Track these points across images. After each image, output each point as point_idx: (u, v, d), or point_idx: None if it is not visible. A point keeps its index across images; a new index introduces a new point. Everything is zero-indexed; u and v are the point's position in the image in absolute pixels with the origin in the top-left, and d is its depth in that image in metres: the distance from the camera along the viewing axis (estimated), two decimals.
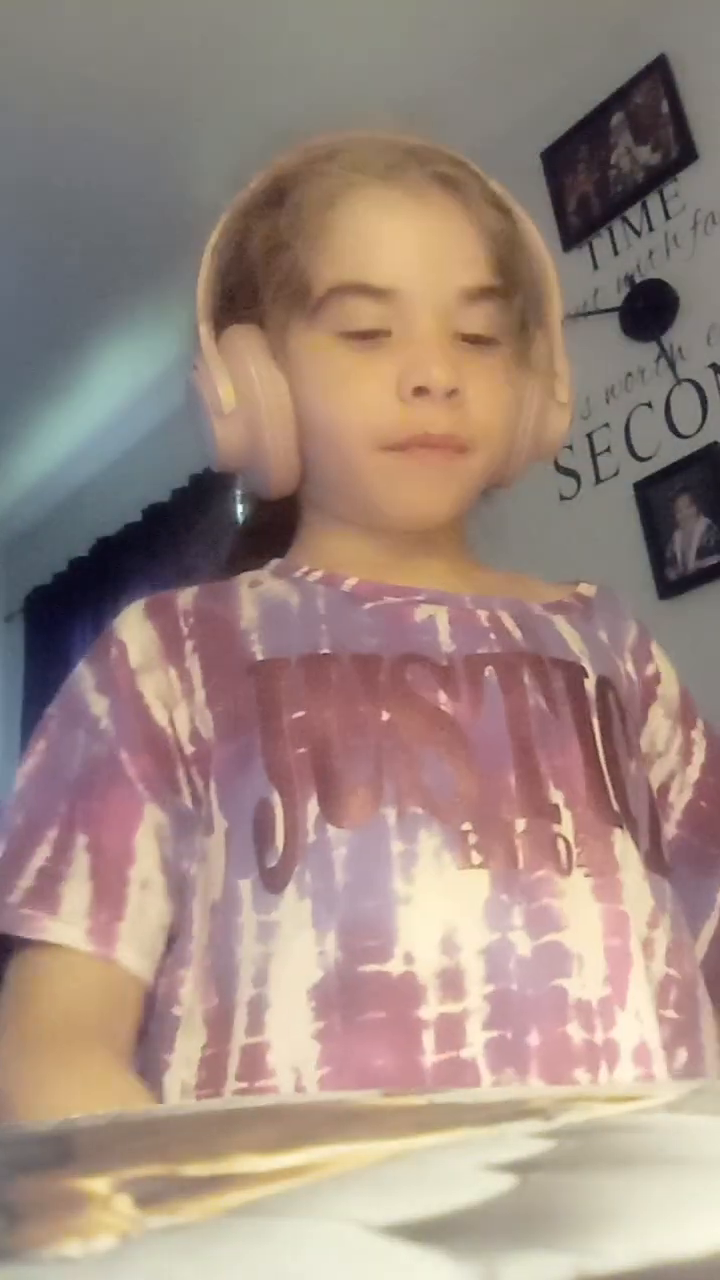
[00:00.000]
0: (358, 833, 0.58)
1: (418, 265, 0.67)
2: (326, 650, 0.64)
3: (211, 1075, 0.56)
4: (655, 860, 0.64)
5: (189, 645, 0.67)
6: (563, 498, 2.24)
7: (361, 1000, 0.55)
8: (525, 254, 0.72)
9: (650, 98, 2.23)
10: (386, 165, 0.69)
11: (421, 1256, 0.15)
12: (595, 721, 0.65)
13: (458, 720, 0.62)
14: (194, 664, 0.66)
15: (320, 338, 0.68)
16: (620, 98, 2.27)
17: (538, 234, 0.75)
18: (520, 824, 0.59)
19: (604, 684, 0.68)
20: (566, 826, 0.60)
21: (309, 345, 0.68)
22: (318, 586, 0.70)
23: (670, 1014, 0.60)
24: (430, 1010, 0.54)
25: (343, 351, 0.67)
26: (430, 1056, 0.54)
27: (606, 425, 2.20)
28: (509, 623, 0.68)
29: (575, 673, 0.66)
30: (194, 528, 3.11)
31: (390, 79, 2.21)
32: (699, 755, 0.75)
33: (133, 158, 2.39)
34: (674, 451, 2.10)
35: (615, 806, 0.62)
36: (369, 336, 0.66)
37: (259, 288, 0.70)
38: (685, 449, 2.09)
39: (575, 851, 0.59)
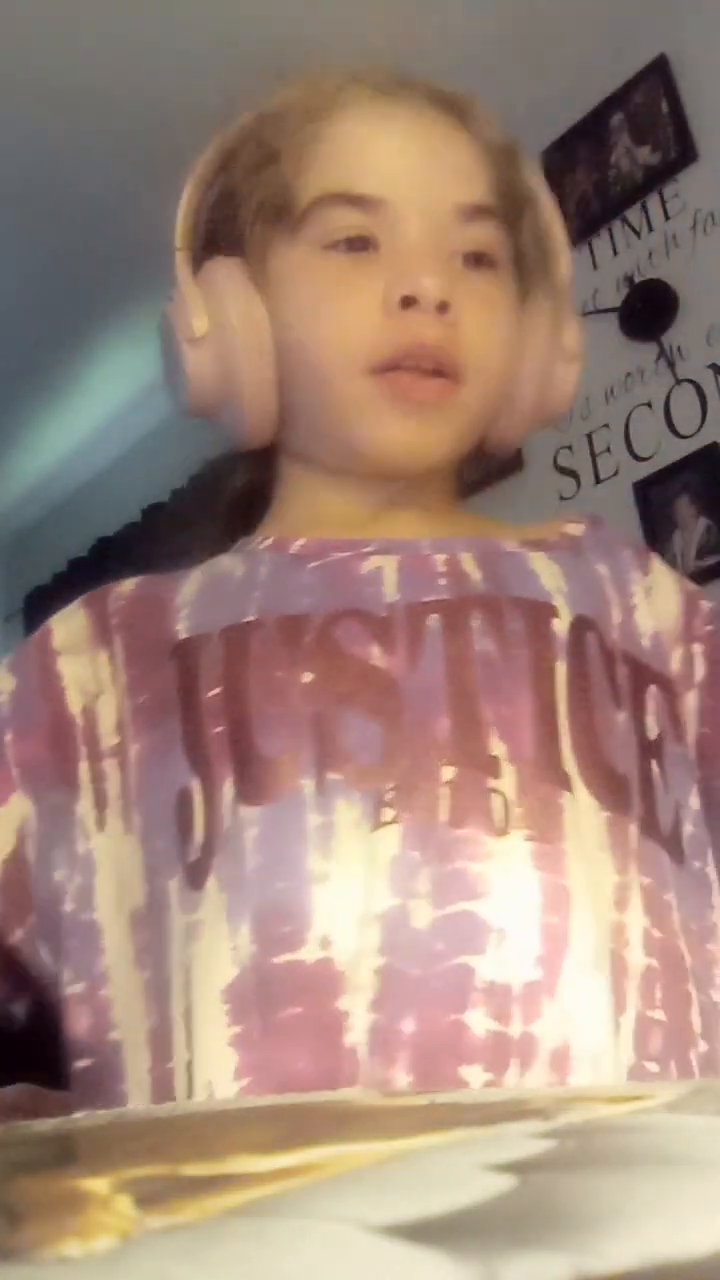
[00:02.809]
0: (269, 809, 0.51)
1: (409, 175, 0.61)
2: (251, 617, 0.58)
3: (161, 1098, 0.50)
4: (653, 827, 0.54)
5: (116, 629, 0.62)
6: (562, 498, 2.24)
7: (277, 996, 0.48)
8: (527, 188, 0.68)
9: (650, 98, 2.22)
10: (383, 80, 0.65)
11: (421, 1256, 0.15)
12: (562, 667, 0.56)
13: (391, 674, 0.54)
14: (119, 649, 0.61)
15: (303, 253, 0.62)
16: (620, 98, 2.27)
17: (544, 185, 0.70)
18: (448, 773, 0.51)
19: (584, 624, 0.58)
20: (507, 783, 0.51)
21: (291, 263, 0.63)
22: (264, 553, 0.64)
23: (659, 1015, 0.50)
24: (350, 1000, 0.47)
25: (326, 265, 0.62)
26: (359, 1051, 0.47)
27: (606, 425, 2.20)
28: (469, 564, 0.61)
29: (541, 612, 0.58)
30: (193, 528, 3.11)
31: None
32: (699, 672, 0.63)
33: (133, 158, 2.39)
34: (673, 452, 2.10)
35: (571, 766, 0.53)
36: (355, 248, 0.61)
37: (241, 212, 0.65)
38: (685, 449, 2.08)
39: (514, 811, 0.50)
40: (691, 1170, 0.18)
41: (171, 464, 3.13)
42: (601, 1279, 0.14)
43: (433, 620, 0.56)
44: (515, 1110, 0.24)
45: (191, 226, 0.68)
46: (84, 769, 0.58)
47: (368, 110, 0.63)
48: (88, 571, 3.49)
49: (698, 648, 0.63)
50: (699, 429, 2.07)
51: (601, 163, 2.30)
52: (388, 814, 0.50)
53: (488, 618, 0.56)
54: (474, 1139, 0.21)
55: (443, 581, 0.59)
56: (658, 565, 0.68)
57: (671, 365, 2.12)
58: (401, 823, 0.50)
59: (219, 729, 0.54)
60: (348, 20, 2.16)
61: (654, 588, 0.65)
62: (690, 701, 0.61)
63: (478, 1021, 0.46)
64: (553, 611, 0.58)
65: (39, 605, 3.70)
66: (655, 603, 0.64)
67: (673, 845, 0.55)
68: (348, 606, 0.57)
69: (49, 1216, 0.17)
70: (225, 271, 0.64)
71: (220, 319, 0.64)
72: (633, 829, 0.53)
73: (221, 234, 0.66)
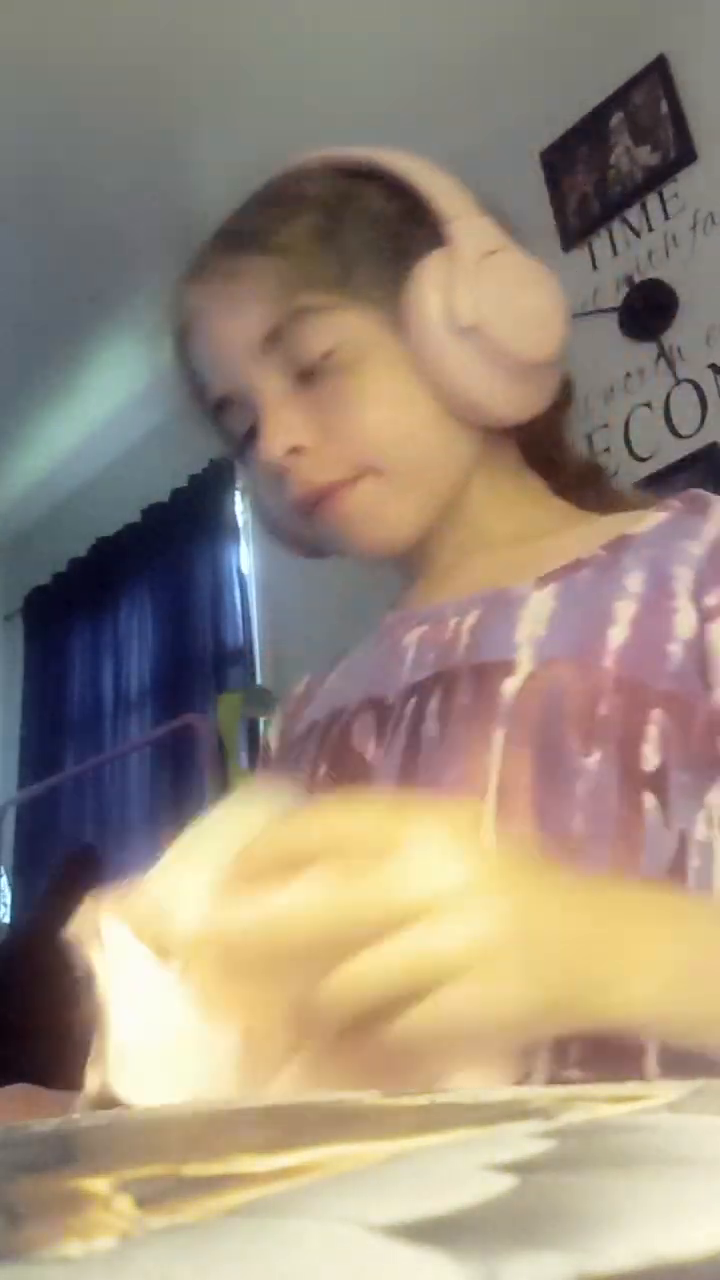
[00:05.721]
0: None
1: (225, 359, 0.68)
2: (323, 716, 0.69)
3: None
4: (633, 875, 0.54)
5: (286, 727, 0.77)
6: None
7: None
8: (358, 210, 0.67)
9: (649, 98, 2.22)
10: (196, 264, 0.71)
11: (421, 1257, 0.15)
12: (500, 734, 0.57)
13: (374, 767, 0.62)
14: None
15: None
16: (619, 98, 2.27)
17: (413, 164, 0.68)
18: None
19: (551, 669, 0.57)
20: None
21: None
22: (383, 625, 0.73)
23: (576, 1075, 0.50)
24: None
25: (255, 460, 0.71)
26: None
27: (605, 425, 2.20)
28: (468, 626, 0.64)
29: (493, 674, 0.59)
30: (193, 528, 3.11)
31: (390, 79, 2.20)
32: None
33: (132, 158, 2.39)
34: (673, 452, 2.10)
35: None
36: (247, 442, 0.69)
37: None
38: (684, 449, 2.08)
39: None
40: (692, 1170, 0.18)
41: (171, 464, 3.13)
42: (602, 1279, 0.14)
43: (410, 705, 0.63)
44: (515, 1110, 0.24)
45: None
46: None
47: (191, 313, 0.71)
48: (88, 571, 3.49)
49: None
50: (699, 429, 2.07)
51: (601, 163, 2.30)
52: None
53: (444, 695, 0.61)
54: (474, 1139, 0.21)
55: (431, 655, 0.65)
56: None
57: (671, 365, 2.12)
58: None
59: None
60: (349, 20, 2.16)
61: None
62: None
63: None
64: (507, 670, 0.59)
65: (39, 605, 3.70)
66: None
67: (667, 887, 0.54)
68: (374, 693, 0.66)
69: (49, 1216, 0.17)
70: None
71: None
72: None
73: None
